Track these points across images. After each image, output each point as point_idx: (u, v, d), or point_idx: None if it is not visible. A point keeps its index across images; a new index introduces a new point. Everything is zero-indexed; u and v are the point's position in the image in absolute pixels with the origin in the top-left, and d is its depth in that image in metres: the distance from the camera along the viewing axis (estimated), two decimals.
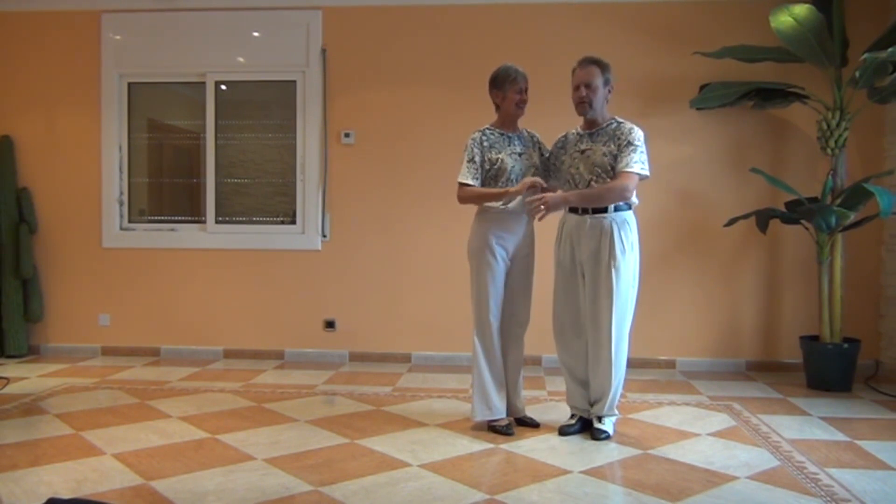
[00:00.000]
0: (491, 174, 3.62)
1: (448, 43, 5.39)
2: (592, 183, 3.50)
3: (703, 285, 5.28)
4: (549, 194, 3.46)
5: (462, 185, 3.61)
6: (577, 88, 3.54)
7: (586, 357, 3.62)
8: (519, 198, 3.59)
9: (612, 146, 3.50)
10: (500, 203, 3.58)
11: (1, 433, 3.61)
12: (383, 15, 5.43)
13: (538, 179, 3.52)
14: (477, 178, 3.59)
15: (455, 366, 5.29)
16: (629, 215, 3.54)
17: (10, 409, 4.06)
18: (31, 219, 5.62)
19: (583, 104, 3.53)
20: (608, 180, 3.47)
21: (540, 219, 3.48)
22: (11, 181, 5.60)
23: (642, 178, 3.49)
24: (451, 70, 5.36)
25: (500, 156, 3.61)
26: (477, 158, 3.61)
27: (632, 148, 3.45)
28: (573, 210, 3.60)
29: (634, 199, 3.57)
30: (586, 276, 3.55)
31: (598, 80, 3.52)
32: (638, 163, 3.45)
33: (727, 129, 5.22)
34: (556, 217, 3.74)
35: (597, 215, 3.51)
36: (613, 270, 3.46)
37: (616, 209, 3.50)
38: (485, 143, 3.63)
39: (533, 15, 5.30)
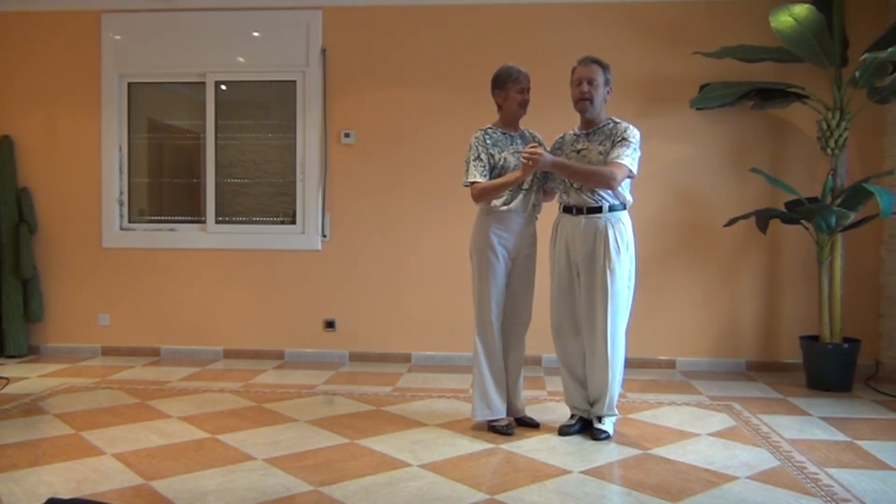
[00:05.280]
0: (494, 174, 3.61)
1: (448, 43, 5.39)
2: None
3: (703, 285, 5.28)
4: (545, 152, 3.45)
5: (473, 184, 3.59)
6: (578, 84, 3.54)
7: (585, 356, 3.62)
8: (521, 196, 3.60)
9: (608, 144, 3.51)
10: (502, 203, 3.58)
11: (1, 433, 3.61)
12: (383, 15, 5.43)
13: (538, 150, 3.43)
14: (485, 175, 3.58)
15: (455, 366, 5.29)
16: (624, 215, 3.55)
17: (10, 409, 4.06)
18: (31, 219, 5.62)
19: (584, 101, 3.53)
20: None
21: (524, 171, 3.46)
22: (11, 181, 5.60)
23: (630, 175, 3.49)
24: (452, 70, 5.36)
25: (503, 154, 3.61)
26: (483, 156, 3.60)
27: (626, 143, 3.46)
28: (568, 210, 3.61)
29: (629, 198, 3.57)
30: (582, 276, 3.55)
31: (600, 78, 3.52)
32: (629, 157, 3.45)
33: (727, 129, 5.22)
34: (551, 217, 3.75)
35: (591, 215, 3.52)
36: (608, 271, 3.46)
37: (611, 209, 3.51)
38: (488, 142, 3.63)
39: (533, 15, 5.30)
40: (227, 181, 5.72)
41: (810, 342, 4.79)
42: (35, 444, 3.46)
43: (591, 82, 3.52)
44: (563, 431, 3.63)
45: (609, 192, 3.49)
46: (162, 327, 5.64)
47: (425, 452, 3.35)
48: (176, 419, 3.90)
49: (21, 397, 4.34)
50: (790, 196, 4.80)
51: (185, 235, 5.67)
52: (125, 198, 5.73)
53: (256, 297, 5.57)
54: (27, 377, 4.90)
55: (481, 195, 3.59)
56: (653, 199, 5.14)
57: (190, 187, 5.90)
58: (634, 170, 3.49)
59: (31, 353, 5.68)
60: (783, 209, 4.91)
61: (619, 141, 3.48)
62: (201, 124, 5.67)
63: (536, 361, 5.20)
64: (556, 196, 3.74)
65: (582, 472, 3.10)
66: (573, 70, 3.59)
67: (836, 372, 4.64)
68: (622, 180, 3.46)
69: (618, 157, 3.43)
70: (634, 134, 3.51)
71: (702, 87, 5.04)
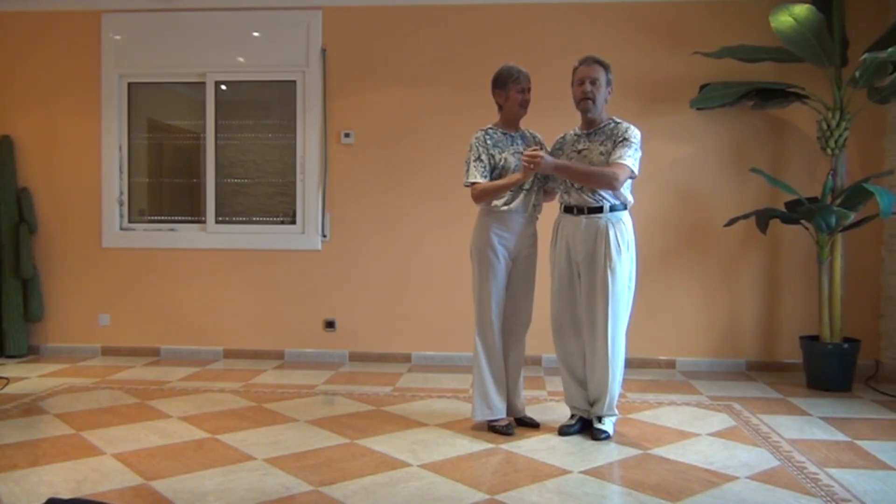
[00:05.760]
0: (495, 174, 3.61)
1: (448, 43, 5.39)
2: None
3: (703, 285, 5.28)
4: (546, 155, 3.45)
5: (473, 184, 3.59)
6: (581, 83, 3.54)
7: (585, 356, 3.62)
8: (521, 196, 3.60)
9: (609, 144, 3.51)
10: (503, 203, 3.58)
11: (1, 433, 3.61)
12: (383, 15, 5.43)
13: (539, 152, 3.43)
14: (486, 176, 3.58)
15: (455, 366, 5.29)
16: (625, 215, 3.55)
17: (10, 409, 4.06)
18: (31, 219, 5.62)
19: (586, 100, 3.53)
20: None
21: (524, 173, 3.46)
22: (11, 181, 5.60)
23: (632, 176, 3.50)
24: (452, 70, 5.36)
25: (503, 155, 3.60)
26: (483, 157, 3.60)
27: (627, 144, 3.46)
28: (568, 210, 3.61)
29: (630, 198, 3.58)
30: (582, 276, 3.55)
31: (602, 78, 3.53)
32: (631, 158, 3.45)
33: (727, 129, 5.22)
34: (552, 217, 3.75)
35: (592, 216, 3.52)
36: (609, 271, 3.46)
37: (612, 209, 3.51)
38: (488, 142, 3.63)
39: (533, 15, 5.30)
40: (227, 181, 5.72)
41: (810, 342, 4.79)
42: (35, 444, 3.46)
43: (593, 82, 3.52)
44: (563, 431, 3.63)
45: (610, 192, 3.49)
46: (162, 327, 5.64)
47: (425, 452, 3.35)
48: (176, 419, 3.89)
49: (21, 397, 4.34)
50: (790, 196, 4.80)
51: (185, 235, 5.67)
52: (125, 198, 5.73)
53: (256, 297, 5.57)
54: (27, 377, 4.90)
55: (482, 196, 3.59)
56: (653, 199, 5.14)
57: (190, 187, 5.90)
58: (636, 170, 3.50)
59: (31, 353, 5.68)
60: (783, 209, 4.91)
61: (621, 141, 3.48)
62: (201, 124, 5.67)
63: (536, 361, 5.20)
64: (557, 196, 3.75)
65: (582, 472, 3.10)
66: (575, 70, 3.59)
67: (836, 372, 4.64)
68: (624, 181, 3.46)
69: (619, 157, 3.43)
70: (635, 134, 3.51)
71: (702, 87, 5.04)
